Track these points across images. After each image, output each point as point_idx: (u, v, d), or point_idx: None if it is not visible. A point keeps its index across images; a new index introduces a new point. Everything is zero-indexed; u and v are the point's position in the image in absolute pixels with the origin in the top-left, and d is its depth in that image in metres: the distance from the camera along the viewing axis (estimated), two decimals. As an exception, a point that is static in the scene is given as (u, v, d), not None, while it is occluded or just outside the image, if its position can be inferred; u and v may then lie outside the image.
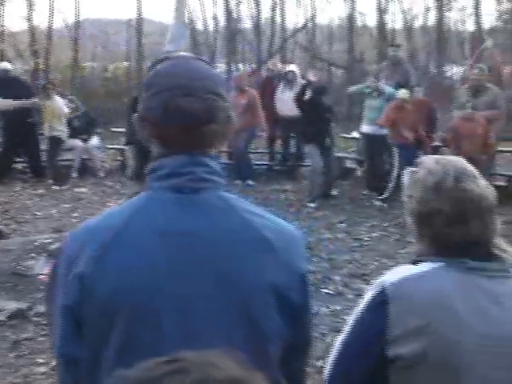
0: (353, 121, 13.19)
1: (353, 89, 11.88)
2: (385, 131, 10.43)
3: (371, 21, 24.48)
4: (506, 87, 13.29)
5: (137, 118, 1.66)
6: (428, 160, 1.92)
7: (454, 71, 21.39)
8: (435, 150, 10.91)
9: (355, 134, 12.13)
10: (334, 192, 10.62)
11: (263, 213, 1.69)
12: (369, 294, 1.84)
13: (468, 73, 11.53)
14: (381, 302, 1.78)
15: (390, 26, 23.06)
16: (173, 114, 1.59)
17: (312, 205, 9.93)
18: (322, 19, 29.14)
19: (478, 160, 9.19)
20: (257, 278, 1.57)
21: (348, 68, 21.39)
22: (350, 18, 22.51)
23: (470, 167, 1.86)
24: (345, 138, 13.09)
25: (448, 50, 22.61)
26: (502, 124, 10.57)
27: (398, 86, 10.92)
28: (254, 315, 1.57)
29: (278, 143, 12.84)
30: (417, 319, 1.74)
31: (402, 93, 10.44)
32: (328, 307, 6.00)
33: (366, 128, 10.95)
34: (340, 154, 11.69)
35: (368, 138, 10.89)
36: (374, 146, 10.68)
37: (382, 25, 22.50)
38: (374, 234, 8.45)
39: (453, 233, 1.79)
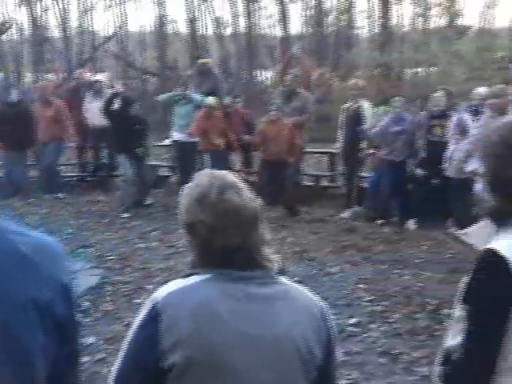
0: (166, 128, 13.19)
1: (163, 97, 11.89)
2: (195, 138, 10.55)
3: (183, 28, 24.65)
4: (315, 91, 13.91)
5: None
6: (201, 173, 2.00)
7: (265, 76, 22.11)
8: (246, 154, 11.23)
9: (167, 142, 12.14)
10: (148, 201, 10.56)
11: (21, 229, 1.64)
12: (142, 312, 1.88)
13: (279, 78, 11.95)
14: (153, 316, 1.83)
15: (200, 32, 23.35)
16: None
17: (125, 215, 9.82)
18: (133, 26, 28.98)
19: (286, 161, 9.55)
20: (17, 295, 1.51)
21: (161, 75, 21.38)
22: (161, 25, 22.55)
23: (236, 180, 1.94)
24: (158, 145, 13.06)
25: (258, 56, 23.26)
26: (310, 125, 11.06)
27: (208, 93, 11.09)
28: (16, 332, 1.51)
29: (90, 154, 12.59)
30: (185, 328, 1.79)
31: (210, 100, 10.61)
32: (140, 317, 5.94)
33: (176, 135, 11.03)
34: (153, 162, 11.65)
35: (178, 145, 10.99)
36: (184, 152, 10.80)
37: (193, 32, 22.73)
38: (188, 240, 8.47)
39: (215, 242, 1.86)
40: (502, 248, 1.92)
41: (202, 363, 1.78)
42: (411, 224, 9.06)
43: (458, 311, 2.09)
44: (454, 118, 8.65)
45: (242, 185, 1.93)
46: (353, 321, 5.77)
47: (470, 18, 37.83)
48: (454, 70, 21.75)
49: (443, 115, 9.04)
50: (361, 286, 6.74)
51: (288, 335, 1.86)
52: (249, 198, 1.90)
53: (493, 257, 1.92)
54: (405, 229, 9.01)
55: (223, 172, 2.01)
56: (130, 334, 1.89)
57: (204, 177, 1.94)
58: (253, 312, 1.84)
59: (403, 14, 30.60)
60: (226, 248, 1.84)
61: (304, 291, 2.00)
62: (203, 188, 1.89)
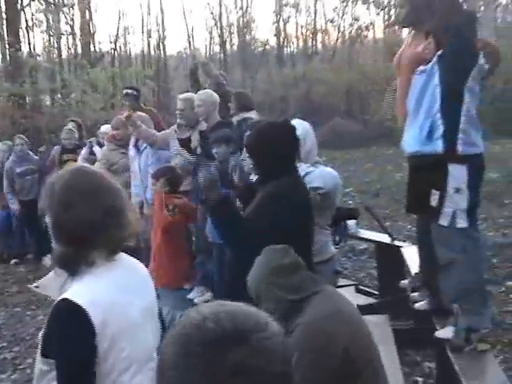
0: None
1: None
2: None
3: None
4: None
5: None
6: None
7: None
8: None
9: None
10: None
11: None
12: None
13: None
14: None
15: None
16: None
17: None
18: None
19: None
20: None
21: None
22: None
23: None
24: None
25: None
26: None
27: None
28: None
29: None
30: None
31: None
32: None
33: None
34: None
35: None
36: None
37: None
38: None
39: None
40: (75, 296, 1.92)
41: None
42: (48, 260, 8.89)
43: (40, 365, 2.04)
44: (83, 152, 8.65)
45: None
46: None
47: (105, 45, 38.80)
48: (90, 99, 22.02)
49: (76, 148, 9.00)
50: (-7, 331, 6.46)
51: None
52: None
53: (69, 306, 1.91)
54: (41, 266, 8.82)
55: None
56: None
57: None
58: None
59: (35, 43, 30.40)
60: None
61: None
62: None
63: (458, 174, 3.69)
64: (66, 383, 1.95)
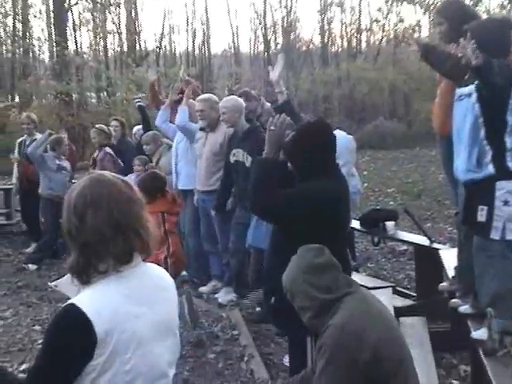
0: None
1: None
2: None
3: None
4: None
5: None
6: None
7: None
8: None
9: None
10: None
11: None
12: None
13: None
14: None
15: None
16: None
17: None
18: None
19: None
20: None
21: None
22: None
23: None
24: None
25: None
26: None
27: None
28: None
29: None
30: None
31: None
32: None
33: None
34: None
35: None
36: None
37: None
38: None
39: None
40: (81, 303, 1.93)
41: None
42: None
43: None
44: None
45: None
46: (24, 367, 5.59)
47: (150, 43, 39.00)
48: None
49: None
50: (36, 327, 6.56)
51: None
52: None
53: (73, 312, 1.92)
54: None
55: None
56: None
57: None
58: None
59: (81, 42, 30.75)
60: None
61: None
62: None
63: (506, 188, 3.70)
64: (36, 375, 1.97)
